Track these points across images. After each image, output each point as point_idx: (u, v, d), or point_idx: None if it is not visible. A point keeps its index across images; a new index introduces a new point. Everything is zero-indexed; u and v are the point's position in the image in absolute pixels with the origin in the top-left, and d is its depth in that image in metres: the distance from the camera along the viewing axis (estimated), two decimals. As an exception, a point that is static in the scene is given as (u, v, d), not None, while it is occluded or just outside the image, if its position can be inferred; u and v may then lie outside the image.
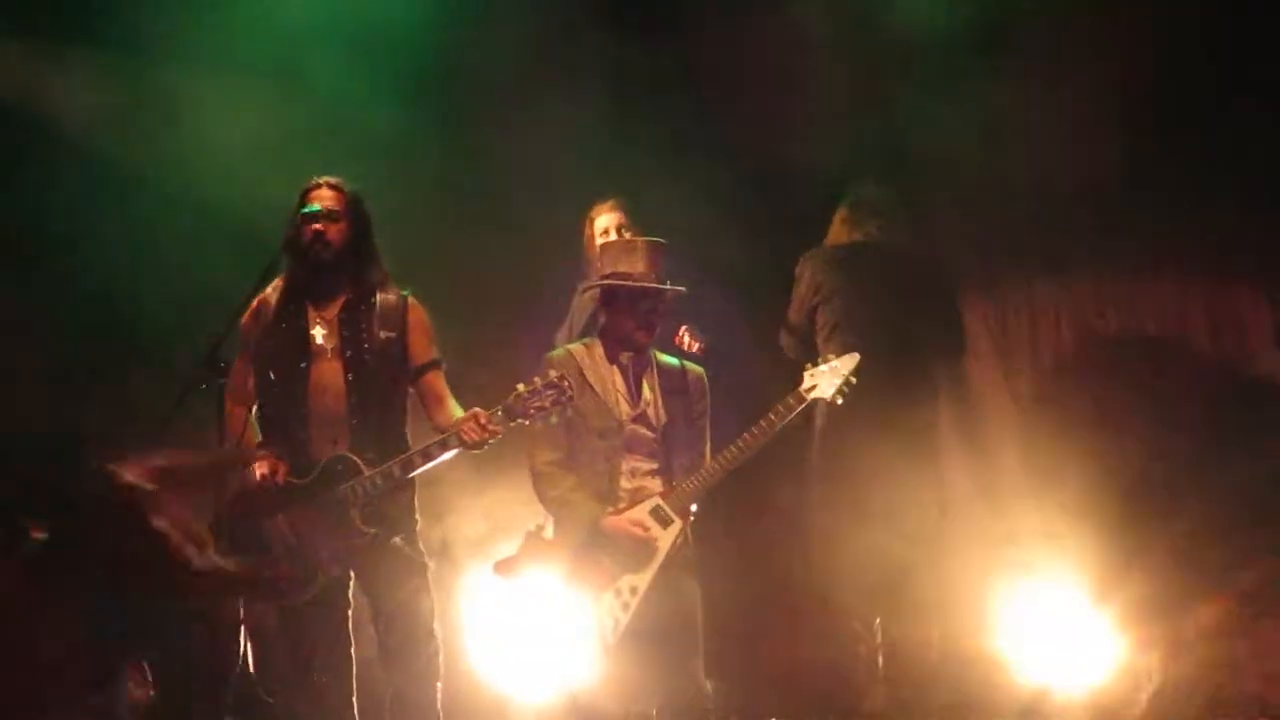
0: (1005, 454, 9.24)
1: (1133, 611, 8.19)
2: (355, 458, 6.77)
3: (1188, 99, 9.06)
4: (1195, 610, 8.29)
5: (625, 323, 7.19)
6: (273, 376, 6.96)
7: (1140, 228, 9.24)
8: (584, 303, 8.27)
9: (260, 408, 7.03)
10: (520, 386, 6.76)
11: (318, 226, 6.92)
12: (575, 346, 7.24)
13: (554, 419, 6.83)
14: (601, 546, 6.96)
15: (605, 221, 8.39)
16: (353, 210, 7.00)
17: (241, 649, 6.75)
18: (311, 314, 6.99)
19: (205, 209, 8.45)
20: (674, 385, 7.21)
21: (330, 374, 6.91)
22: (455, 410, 6.92)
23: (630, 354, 7.21)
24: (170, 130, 8.67)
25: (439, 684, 6.88)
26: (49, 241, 8.55)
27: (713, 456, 7.11)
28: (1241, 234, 9.09)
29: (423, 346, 7.04)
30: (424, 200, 8.78)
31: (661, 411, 7.15)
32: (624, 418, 7.11)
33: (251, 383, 7.03)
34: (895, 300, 8.49)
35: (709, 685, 7.00)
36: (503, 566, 7.15)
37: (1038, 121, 9.03)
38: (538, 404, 6.74)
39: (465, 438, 6.73)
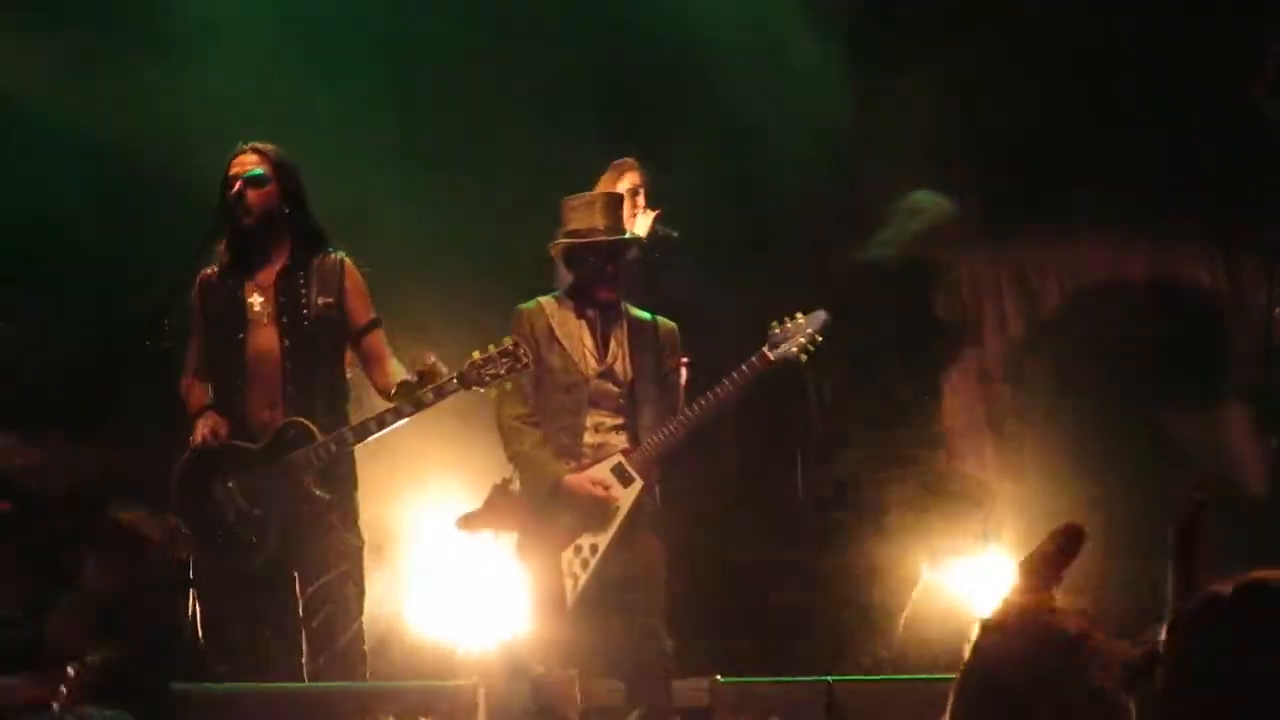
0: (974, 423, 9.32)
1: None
2: (308, 423, 6.68)
3: (1126, 59, 9.15)
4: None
5: (588, 279, 7.15)
6: (213, 346, 6.90)
7: (1080, 189, 9.28)
8: None
9: (210, 380, 6.97)
10: (475, 354, 6.70)
11: (241, 192, 6.82)
12: (546, 300, 7.21)
13: (508, 386, 6.75)
14: (563, 504, 6.95)
15: (630, 181, 8.32)
16: (280, 174, 6.90)
17: (191, 614, 6.72)
18: (248, 282, 6.90)
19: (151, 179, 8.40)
20: (644, 339, 7.18)
21: (267, 341, 6.83)
22: (398, 370, 6.85)
23: (598, 309, 7.16)
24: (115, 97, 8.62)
25: (365, 669, 6.82)
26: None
27: (678, 414, 7.08)
28: (1181, 194, 9.14)
29: (361, 308, 6.98)
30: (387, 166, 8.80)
31: (629, 367, 7.12)
32: (590, 373, 7.09)
33: (198, 356, 7.00)
34: None
35: (670, 643, 6.97)
36: (466, 521, 7.16)
37: (976, 83, 9.08)
38: (493, 371, 6.67)
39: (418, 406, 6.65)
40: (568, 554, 6.95)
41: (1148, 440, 9.01)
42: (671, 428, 7.03)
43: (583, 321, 7.15)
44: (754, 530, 8.88)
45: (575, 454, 7.03)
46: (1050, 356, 9.39)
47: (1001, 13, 9.28)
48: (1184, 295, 9.39)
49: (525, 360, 6.69)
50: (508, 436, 7.07)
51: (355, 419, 6.85)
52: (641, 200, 8.32)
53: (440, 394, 6.65)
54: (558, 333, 7.09)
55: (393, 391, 6.77)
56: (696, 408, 7.02)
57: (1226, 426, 9.13)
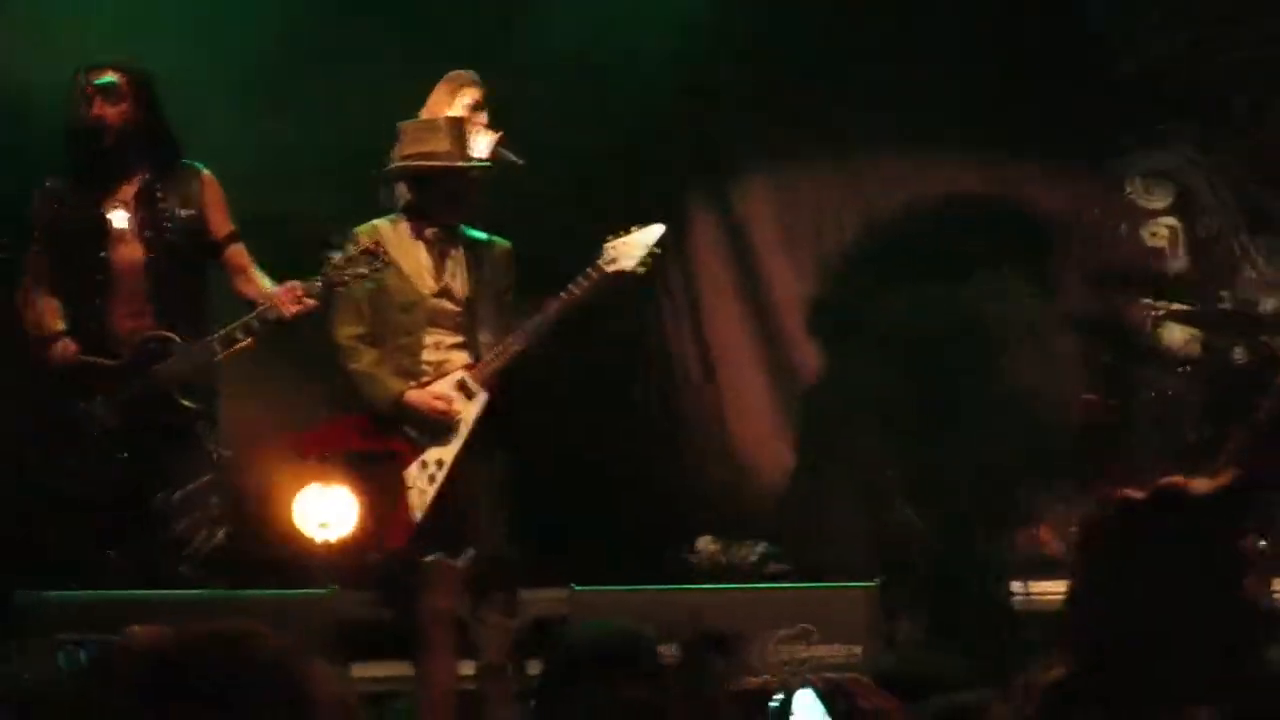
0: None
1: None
2: (171, 335, 6.69)
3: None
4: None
5: (431, 202, 7.18)
6: (68, 261, 6.88)
7: (918, 103, 9.39)
8: None
9: (59, 295, 6.96)
10: (335, 256, 6.78)
11: (95, 108, 6.78)
12: (381, 222, 7.20)
13: (369, 285, 6.84)
14: (406, 420, 7.02)
15: (470, 96, 8.29)
16: (136, 88, 6.87)
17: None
18: (107, 198, 6.89)
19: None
20: (481, 259, 7.22)
21: (131, 255, 6.84)
22: (261, 280, 6.95)
23: (436, 230, 7.20)
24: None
25: (226, 576, 6.91)
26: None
27: (514, 330, 7.15)
28: (1020, 108, 9.29)
29: (221, 220, 7.07)
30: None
31: (466, 286, 7.16)
32: (427, 293, 7.11)
33: (41, 270, 6.94)
34: None
35: (514, 551, 7.08)
36: (304, 439, 7.21)
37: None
38: (354, 271, 6.76)
39: (283, 310, 6.67)
40: (414, 469, 6.99)
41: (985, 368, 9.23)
42: (510, 341, 7.08)
43: (419, 242, 7.15)
44: (603, 439, 8.95)
45: (414, 373, 7.06)
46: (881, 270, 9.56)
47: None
48: (1023, 215, 9.57)
49: (384, 259, 6.78)
50: (345, 355, 7.07)
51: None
52: (484, 118, 8.33)
53: (308, 294, 6.75)
54: (394, 253, 7.06)
55: (257, 296, 6.82)
56: (534, 323, 7.07)
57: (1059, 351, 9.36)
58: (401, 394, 6.99)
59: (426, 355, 7.08)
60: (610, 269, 7.14)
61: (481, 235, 7.33)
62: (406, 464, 7.00)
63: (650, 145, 9.38)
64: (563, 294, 7.09)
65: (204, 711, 2.03)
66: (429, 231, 7.18)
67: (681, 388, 9.62)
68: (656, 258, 7.25)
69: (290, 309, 6.72)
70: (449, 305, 7.14)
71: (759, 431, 9.55)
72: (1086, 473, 8.60)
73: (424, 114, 7.54)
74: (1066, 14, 9.53)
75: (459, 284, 7.15)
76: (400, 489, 6.98)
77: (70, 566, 6.73)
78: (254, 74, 8.41)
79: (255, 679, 2.07)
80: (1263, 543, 8.29)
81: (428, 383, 7.05)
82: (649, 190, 9.11)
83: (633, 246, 7.17)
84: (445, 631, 6.92)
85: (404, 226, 7.19)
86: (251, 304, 6.86)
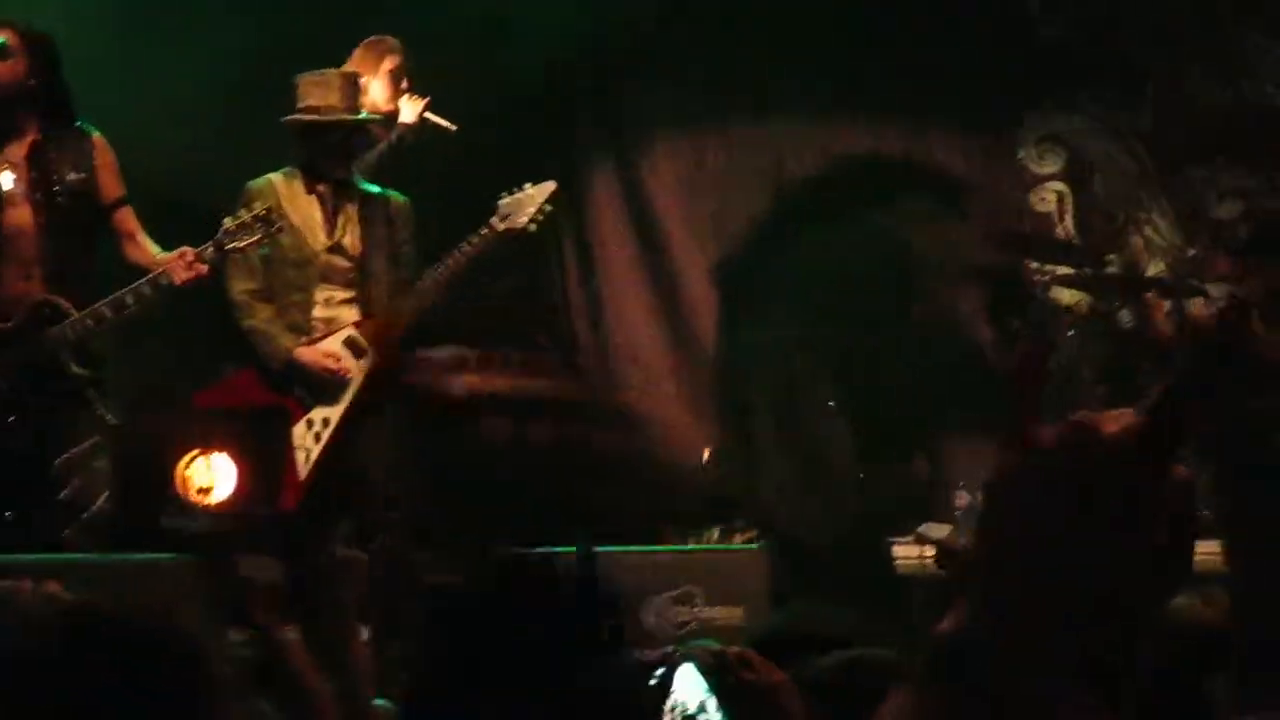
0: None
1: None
2: (62, 301, 6.69)
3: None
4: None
5: (320, 156, 7.17)
6: None
7: (834, 69, 9.43)
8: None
9: None
10: (227, 220, 6.74)
11: None
12: (275, 176, 7.18)
13: (253, 255, 6.86)
14: (296, 378, 7.02)
15: (392, 62, 8.30)
16: (30, 47, 6.83)
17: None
18: None
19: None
20: (375, 214, 7.21)
21: (20, 217, 6.80)
22: (149, 245, 6.90)
23: (329, 185, 7.19)
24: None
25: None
26: None
27: (407, 289, 7.17)
28: (936, 72, 9.36)
29: (112, 184, 6.98)
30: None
31: (359, 241, 7.15)
32: (319, 248, 7.11)
33: None
34: None
35: (395, 513, 7.08)
36: (202, 397, 7.23)
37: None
38: (247, 238, 6.73)
39: (175, 277, 6.68)
40: (300, 428, 7.01)
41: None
42: (402, 300, 7.13)
43: (313, 197, 7.15)
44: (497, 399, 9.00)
45: (306, 329, 7.08)
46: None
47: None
48: (935, 178, 9.65)
49: (279, 224, 6.77)
50: (240, 311, 7.09)
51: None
52: (406, 84, 8.35)
53: (199, 259, 6.69)
54: (287, 209, 7.06)
55: (148, 262, 6.83)
56: (429, 281, 7.12)
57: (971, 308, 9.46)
58: (291, 350, 7.01)
59: (318, 312, 7.09)
60: (501, 226, 7.19)
61: (376, 189, 7.32)
62: (296, 420, 7.03)
63: (554, 106, 9.44)
64: (455, 252, 7.13)
65: (102, 676, 2.05)
66: (321, 186, 7.17)
67: (580, 351, 9.68)
68: (550, 215, 7.31)
69: (182, 275, 6.68)
70: (341, 261, 7.14)
71: (667, 411, 9.64)
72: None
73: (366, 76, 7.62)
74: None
75: (351, 239, 7.15)
76: (289, 448, 7.01)
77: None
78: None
79: (155, 650, 2.09)
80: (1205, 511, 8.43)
81: (319, 339, 7.07)
82: (551, 153, 9.18)
83: (525, 204, 7.22)
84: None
85: (297, 181, 7.18)
86: (141, 269, 6.85)
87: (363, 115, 7.28)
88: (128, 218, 6.97)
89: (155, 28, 8.74)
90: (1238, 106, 9.26)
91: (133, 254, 6.92)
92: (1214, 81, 9.36)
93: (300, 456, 6.99)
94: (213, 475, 6.92)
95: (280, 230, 6.81)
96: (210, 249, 6.71)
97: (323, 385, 7.02)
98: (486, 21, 9.07)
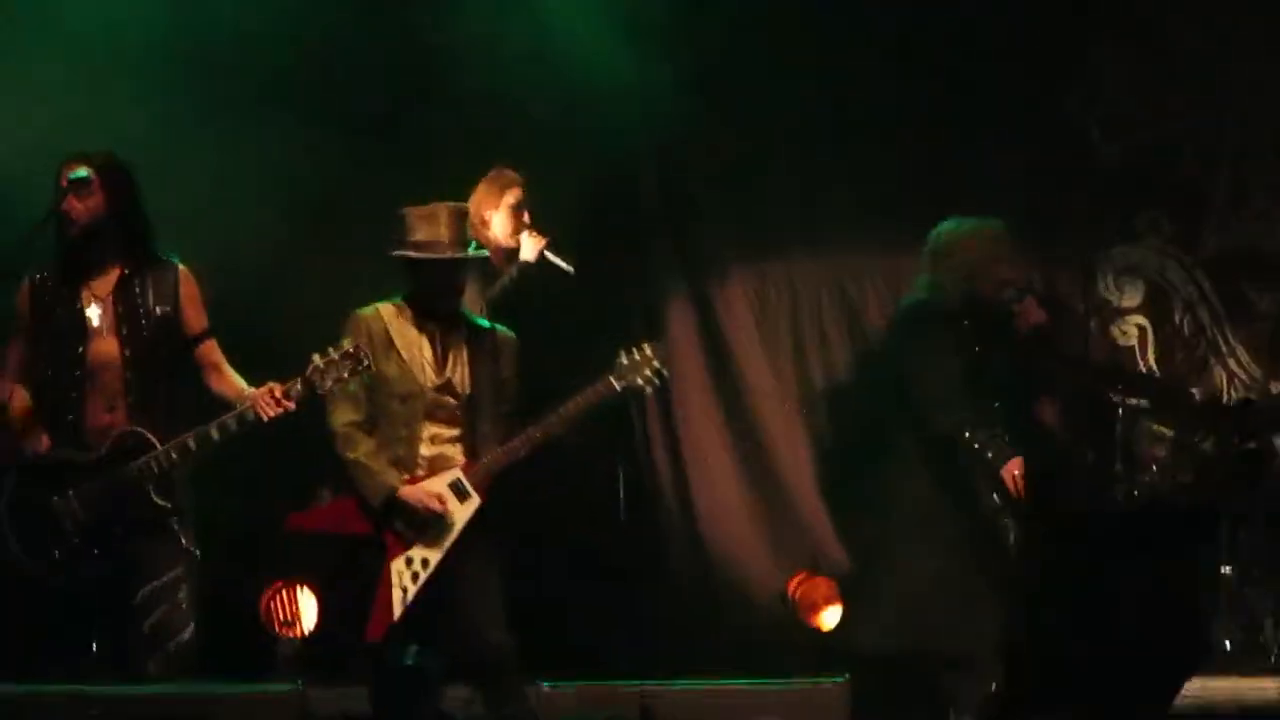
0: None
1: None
2: (146, 433, 6.74)
3: (938, 67, 9.36)
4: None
5: (430, 291, 7.13)
6: (47, 355, 6.93)
7: (891, 201, 9.46)
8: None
9: (36, 387, 6.97)
10: (316, 357, 6.75)
11: (69, 202, 6.86)
12: (385, 306, 7.16)
13: (352, 387, 6.86)
14: (397, 514, 6.96)
15: (515, 196, 8.36)
16: (109, 180, 6.91)
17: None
18: (84, 292, 6.93)
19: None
20: (484, 350, 7.17)
21: (107, 352, 6.88)
22: (234, 378, 6.95)
23: (438, 319, 7.15)
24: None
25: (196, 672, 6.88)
26: None
27: (520, 430, 7.11)
28: (996, 206, 9.34)
29: (195, 317, 7.03)
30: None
31: (467, 379, 7.11)
32: (427, 385, 7.06)
33: (21, 361, 6.98)
34: None
35: (510, 639, 7.00)
36: (298, 520, 7.21)
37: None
38: (336, 375, 6.75)
39: (262, 412, 6.71)
40: (399, 564, 6.95)
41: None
42: (513, 445, 7.06)
43: (422, 333, 7.11)
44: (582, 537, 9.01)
45: (410, 465, 7.03)
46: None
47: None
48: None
49: (367, 361, 6.76)
50: (341, 443, 7.02)
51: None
52: (527, 218, 8.37)
53: (287, 395, 6.71)
54: (396, 341, 7.05)
55: (234, 396, 6.86)
56: (538, 430, 7.06)
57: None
58: (395, 489, 6.97)
59: (423, 449, 7.04)
60: (619, 385, 7.17)
61: (485, 323, 7.31)
62: (394, 556, 6.96)
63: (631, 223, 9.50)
64: (569, 405, 7.11)
65: None
66: (431, 322, 7.14)
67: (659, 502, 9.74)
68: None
69: (269, 411, 6.71)
70: (449, 399, 7.08)
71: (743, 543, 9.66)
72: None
73: (470, 208, 7.61)
74: (1046, 105, 9.65)
75: (460, 377, 7.10)
76: (385, 582, 6.95)
77: (46, 660, 6.75)
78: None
79: None
80: (1226, 569, 8.38)
81: (423, 477, 7.02)
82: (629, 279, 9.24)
83: (643, 364, 7.18)
84: None
85: (406, 313, 7.14)
86: (226, 401, 6.89)
87: (470, 251, 7.19)
88: (212, 350, 7.01)
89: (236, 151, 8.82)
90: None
91: (218, 386, 6.95)
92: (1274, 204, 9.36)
93: (397, 595, 6.94)
94: (297, 608, 6.91)
95: (369, 368, 6.80)
96: (297, 385, 6.73)
97: (425, 525, 6.98)
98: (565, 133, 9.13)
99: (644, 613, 8.88)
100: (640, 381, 7.17)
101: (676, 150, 9.61)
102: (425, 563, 6.95)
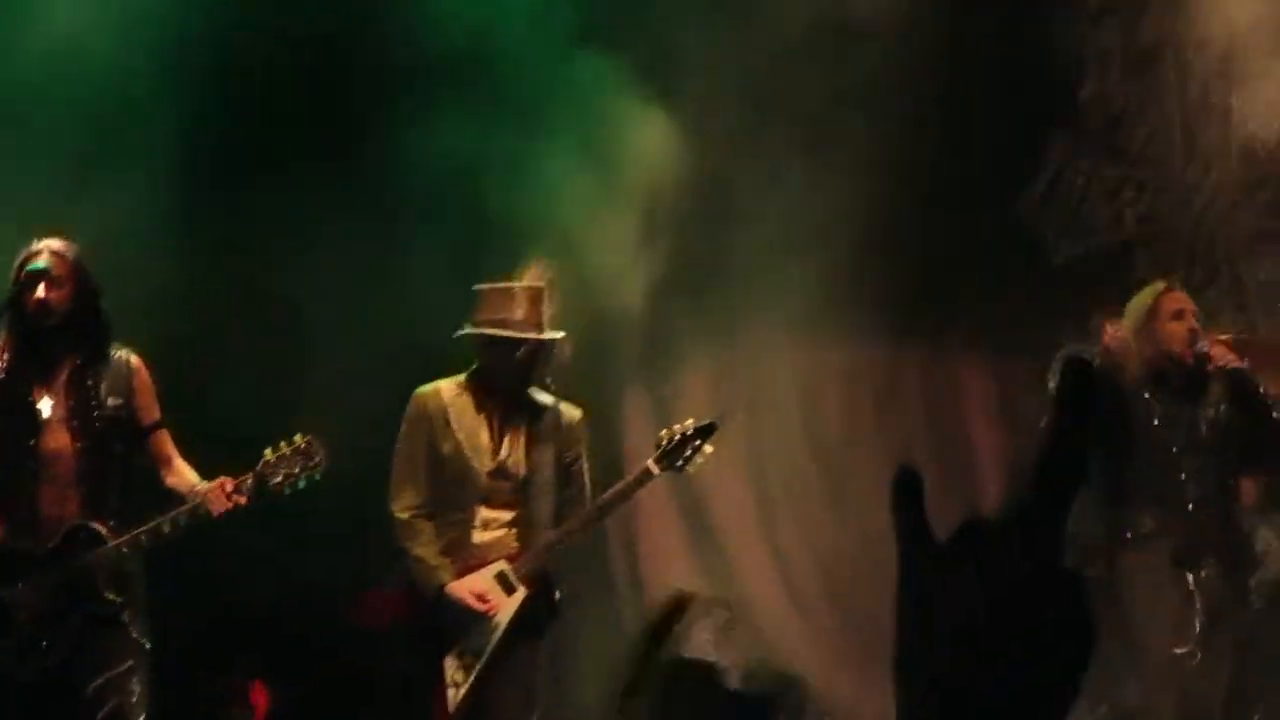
0: None
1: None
2: (99, 527, 6.69)
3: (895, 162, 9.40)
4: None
5: (500, 370, 7.05)
6: (2, 448, 6.78)
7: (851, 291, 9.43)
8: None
9: None
10: (268, 452, 6.69)
11: (40, 293, 6.78)
12: (446, 385, 7.10)
13: (302, 484, 6.78)
14: (445, 609, 6.91)
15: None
16: (77, 273, 6.88)
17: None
18: (36, 383, 6.87)
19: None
20: (545, 430, 7.08)
21: (59, 441, 6.79)
22: (186, 472, 6.83)
23: (499, 398, 7.08)
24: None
25: None
26: None
27: (570, 515, 7.06)
28: (956, 301, 9.44)
29: (148, 408, 6.90)
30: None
31: (523, 463, 7.03)
32: (483, 469, 6.99)
33: None
34: None
35: None
36: (358, 611, 7.28)
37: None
38: (286, 471, 6.70)
39: (213, 507, 6.67)
40: (451, 659, 6.93)
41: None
42: (554, 538, 6.99)
43: (480, 413, 7.05)
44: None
45: (463, 550, 6.98)
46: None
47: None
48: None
49: (318, 459, 6.70)
50: (402, 532, 7.00)
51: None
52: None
53: (238, 490, 6.62)
54: (453, 423, 7.01)
55: (186, 490, 6.83)
56: (576, 524, 7.01)
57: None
58: (443, 586, 6.91)
59: (476, 536, 6.98)
60: (658, 470, 7.05)
61: (549, 400, 7.17)
62: (448, 651, 6.94)
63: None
64: (612, 492, 7.06)
65: None
66: (491, 401, 7.07)
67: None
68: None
69: (220, 506, 6.68)
70: (504, 483, 7.02)
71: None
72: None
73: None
74: (1003, 205, 9.72)
75: (516, 460, 7.04)
76: (440, 676, 6.93)
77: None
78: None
79: None
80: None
81: (474, 565, 6.95)
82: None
83: (684, 445, 7.05)
84: None
85: (467, 393, 7.09)
86: (177, 494, 6.85)
87: (543, 331, 7.10)
88: (164, 441, 6.92)
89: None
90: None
91: (169, 479, 6.87)
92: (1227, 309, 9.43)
93: (450, 691, 6.91)
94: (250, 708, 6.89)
95: (320, 466, 6.71)
96: (249, 480, 6.71)
97: (471, 624, 6.94)
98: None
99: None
100: (681, 462, 7.05)
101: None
102: (475, 658, 6.92)
